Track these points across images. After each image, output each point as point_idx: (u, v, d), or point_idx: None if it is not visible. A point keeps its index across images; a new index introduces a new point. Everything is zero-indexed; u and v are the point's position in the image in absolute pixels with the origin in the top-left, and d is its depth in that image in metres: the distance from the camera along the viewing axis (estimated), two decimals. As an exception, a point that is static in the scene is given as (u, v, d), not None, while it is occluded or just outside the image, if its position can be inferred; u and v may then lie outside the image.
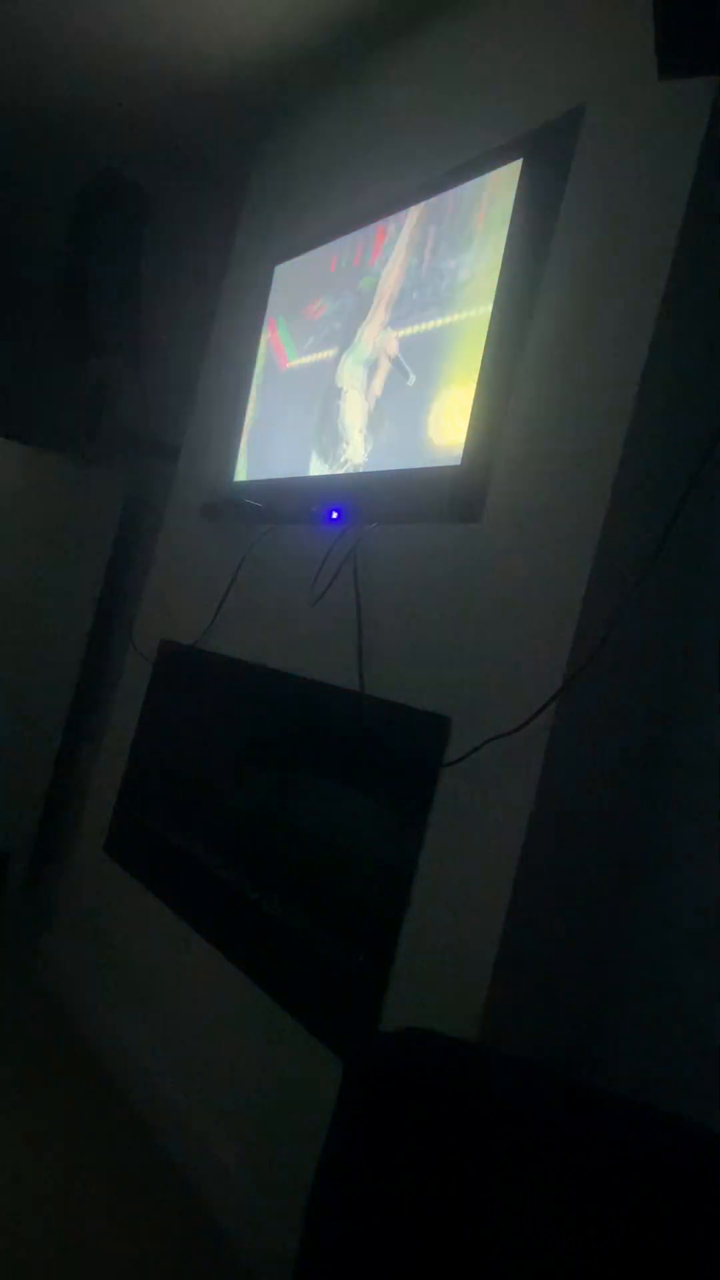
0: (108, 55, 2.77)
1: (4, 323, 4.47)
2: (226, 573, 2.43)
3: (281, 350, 2.54)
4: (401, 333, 2.07)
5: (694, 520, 1.56)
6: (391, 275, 2.14)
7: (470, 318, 1.88)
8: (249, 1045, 1.96)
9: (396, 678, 1.82)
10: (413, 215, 2.11)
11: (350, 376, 2.25)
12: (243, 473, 2.56)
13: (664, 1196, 1.04)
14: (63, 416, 4.18)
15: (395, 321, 2.10)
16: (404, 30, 2.39)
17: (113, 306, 2.93)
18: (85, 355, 3.04)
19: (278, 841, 2.21)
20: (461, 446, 1.81)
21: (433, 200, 2.06)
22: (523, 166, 1.82)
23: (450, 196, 2.01)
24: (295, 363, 2.49)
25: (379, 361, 2.17)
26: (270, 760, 2.35)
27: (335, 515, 2.09)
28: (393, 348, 2.12)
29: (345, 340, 2.27)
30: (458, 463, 1.81)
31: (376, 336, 2.20)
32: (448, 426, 1.87)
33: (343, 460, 2.17)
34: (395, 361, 2.11)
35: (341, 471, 2.16)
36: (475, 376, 1.81)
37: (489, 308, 1.82)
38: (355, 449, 2.15)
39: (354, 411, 2.21)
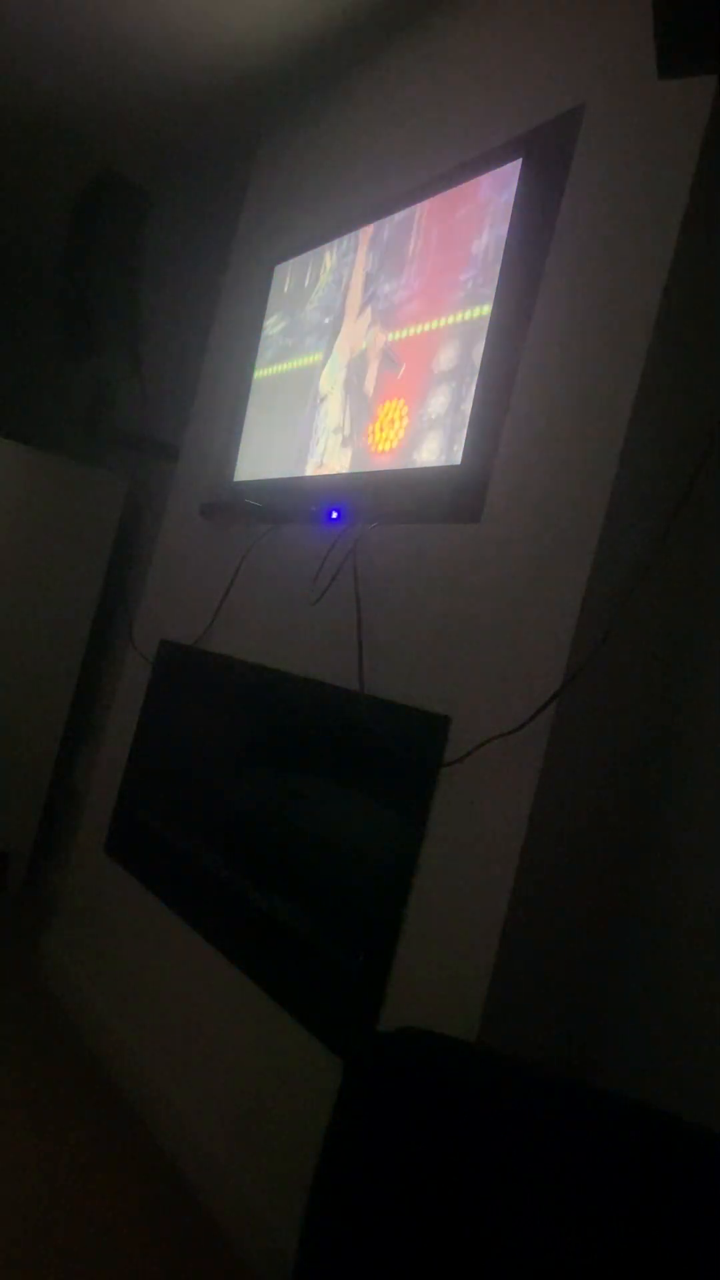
0: (108, 55, 2.77)
1: (4, 323, 4.47)
2: (226, 573, 2.43)
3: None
4: (392, 335, 2.07)
5: (694, 520, 1.56)
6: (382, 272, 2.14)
7: (470, 318, 1.88)
8: (249, 1045, 1.96)
9: (396, 677, 1.82)
10: (414, 212, 2.11)
11: (335, 378, 2.27)
12: (242, 473, 2.57)
13: (664, 1196, 1.04)
14: (63, 416, 4.18)
15: (385, 321, 2.10)
16: (403, 30, 2.40)
17: (113, 306, 2.93)
18: (85, 355, 3.04)
19: (278, 841, 2.21)
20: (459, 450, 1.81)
21: (432, 200, 2.06)
22: (522, 166, 1.82)
23: (449, 196, 2.01)
24: (270, 371, 2.52)
25: (368, 358, 2.19)
26: (270, 760, 2.35)
27: (335, 515, 2.09)
28: (381, 341, 2.13)
29: (328, 342, 2.29)
30: (458, 462, 1.81)
31: (364, 334, 2.22)
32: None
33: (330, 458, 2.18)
34: (384, 355, 2.12)
35: (339, 470, 2.16)
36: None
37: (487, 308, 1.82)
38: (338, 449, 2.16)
39: (335, 413, 2.24)
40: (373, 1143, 1.14)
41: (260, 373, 2.59)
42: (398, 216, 2.18)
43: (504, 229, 1.86)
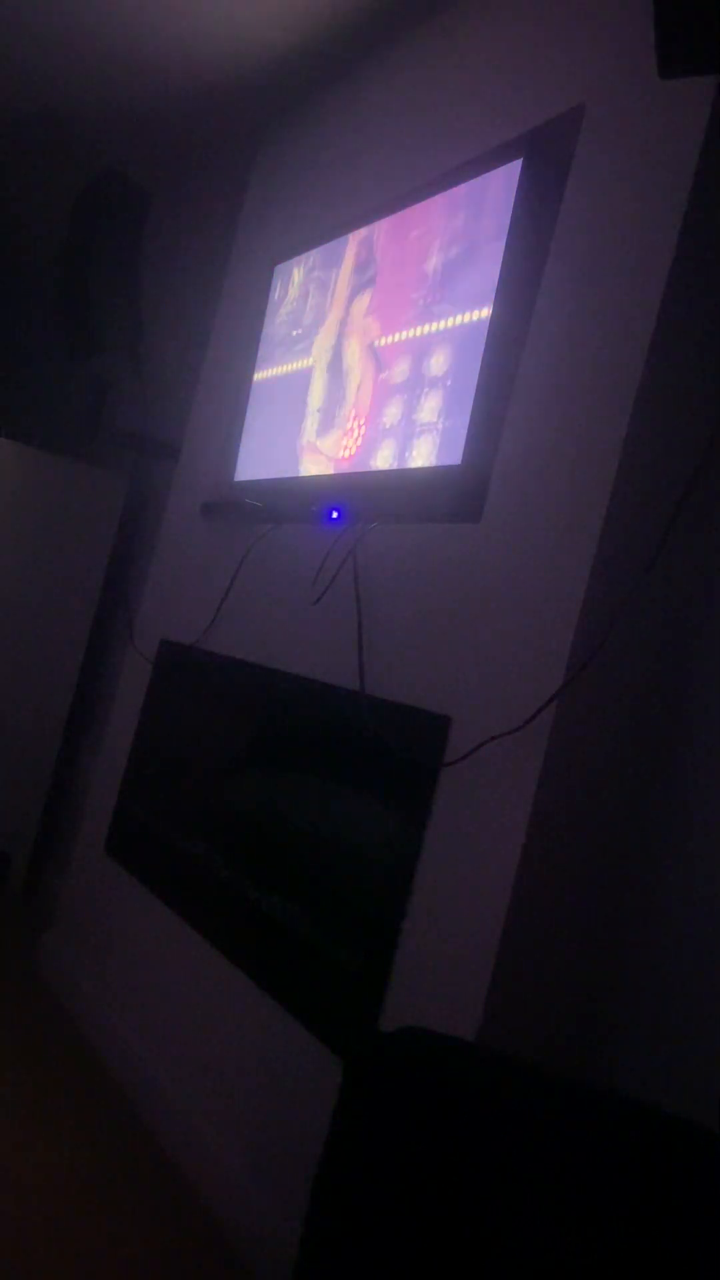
0: (108, 55, 2.77)
1: (4, 323, 4.47)
2: (226, 572, 2.43)
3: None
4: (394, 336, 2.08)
5: (694, 520, 1.56)
6: (386, 270, 2.14)
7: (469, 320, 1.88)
8: (249, 1045, 1.96)
9: (396, 677, 1.82)
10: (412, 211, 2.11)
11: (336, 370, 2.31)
12: (242, 472, 2.57)
13: (664, 1196, 1.04)
14: (63, 416, 4.18)
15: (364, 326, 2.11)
16: (404, 30, 2.40)
17: (113, 306, 2.93)
18: (85, 355, 3.04)
19: (278, 841, 2.21)
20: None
21: (433, 199, 2.06)
22: (522, 166, 1.82)
23: (448, 197, 2.01)
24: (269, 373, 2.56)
25: (344, 364, 2.26)
26: (270, 760, 2.35)
27: (335, 515, 2.09)
28: (375, 330, 2.14)
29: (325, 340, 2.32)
30: (458, 462, 1.81)
31: (342, 338, 2.27)
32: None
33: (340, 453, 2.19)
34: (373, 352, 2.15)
35: (342, 460, 2.16)
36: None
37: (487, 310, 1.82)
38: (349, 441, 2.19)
39: (312, 417, 2.29)
40: (373, 1142, 1.14)
41: (260, 375, 2.60)
42: (384, 223, 2.21)
43: (465, 242, 1.93)
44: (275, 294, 2.60)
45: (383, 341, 2.12)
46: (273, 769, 2.33)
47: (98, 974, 2.56)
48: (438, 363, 1.94)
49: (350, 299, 2.27)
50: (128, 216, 2.93)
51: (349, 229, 2.32)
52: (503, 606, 1.65)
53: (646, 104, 1.64)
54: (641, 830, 1.59)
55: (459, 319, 1.92)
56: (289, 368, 2.48)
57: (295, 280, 2.53)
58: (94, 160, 3.17)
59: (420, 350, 2.00)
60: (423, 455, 1.92)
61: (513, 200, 1.82)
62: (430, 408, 1.93)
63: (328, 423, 2.25)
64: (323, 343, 2.35)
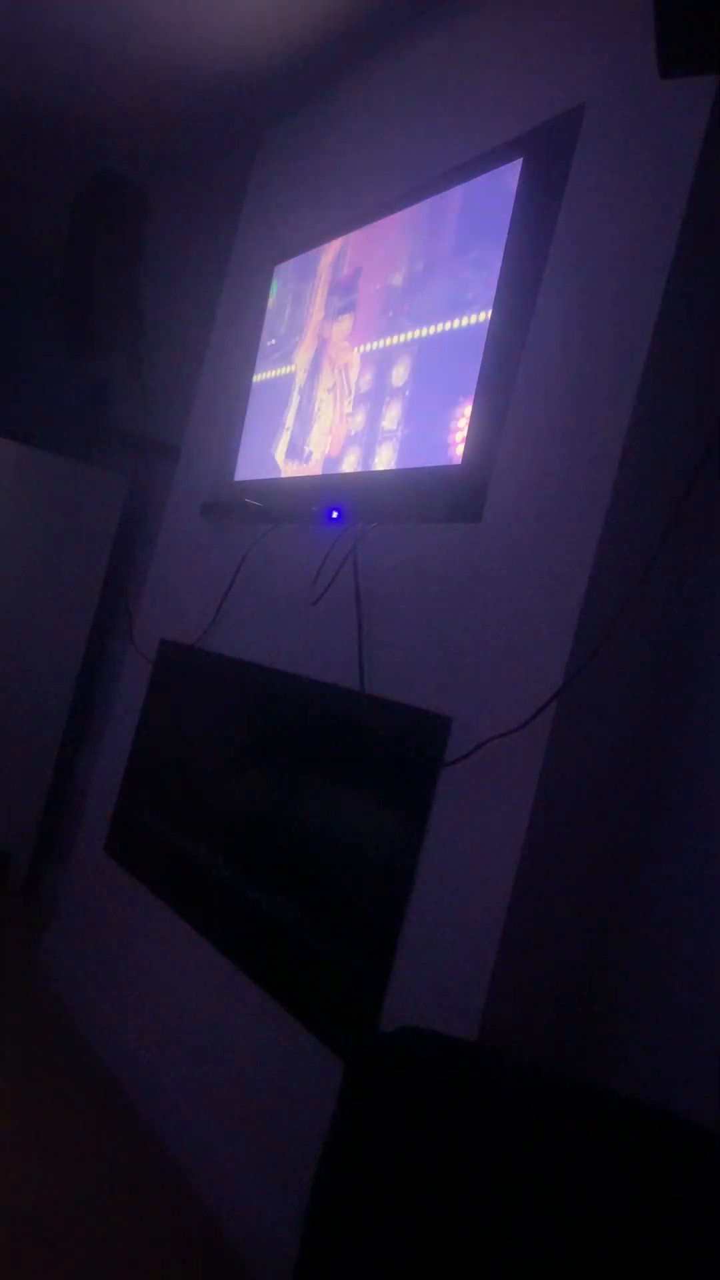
0: (108, 55, 2.77)
1: (4, 323, 4.47)
2: (226, 572, 2.43)
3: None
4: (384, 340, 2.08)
5: (694, 520, 1.56)
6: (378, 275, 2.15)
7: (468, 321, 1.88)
8: (249, 1045, 1.96)
9: (396, 677, 1.82)
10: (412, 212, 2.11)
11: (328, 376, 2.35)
12: (242, 472, 2.57)
13: (664, 1196, 1.04)
14: (63, 416, 4.18)
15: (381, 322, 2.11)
16: (403, 29, 2.39)
17: (113, 306, 2.93)
18: (85, 355, 3.04)
19: (278, 841, 2.21)
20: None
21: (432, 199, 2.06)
22: (523, 165, 1.82)
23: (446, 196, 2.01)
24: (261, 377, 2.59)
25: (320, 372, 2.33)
26: (270, 760, 2.35)
27: (335, 515, 2.09)
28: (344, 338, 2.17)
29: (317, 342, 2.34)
30: (457, 462, 1.81)
31: (322, 345, 2.33)
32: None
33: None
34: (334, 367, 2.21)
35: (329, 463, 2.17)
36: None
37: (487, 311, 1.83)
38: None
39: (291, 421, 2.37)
40: (373, 1142, 1.14)
41: (258, 376, 2.60)
42: (355, 237, 2.29)
43: (424, 260, 2.02)
44: (269, 299, 2.64)
45: (353, 355, 2.19)
46: (273, 769, 2.33)
47: (98, 974, 2.56)
48: (399, 374, 2.04)
49: (328, 318, 2.34)
50: (128, 216, 2.92)
51: (348, 229, 2.32)
52: (503, 606, 1.65)
53: (646, 104, 1.64)
54: (642, 830, 1.59)
55: (419, 333, 2.00)
56: (275, 373, 2.53)
57: (273, 291, 2.62)
58: (94, 160, 3.17)
59: (384, 361, 2.10)
60: (384, 461, 2.04)
61: (512, 200, 1.82)
62: (392, 416, 2.03)
63: (297, 446, 2.36)
64: (301, 359, 2.42)
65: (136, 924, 2.47)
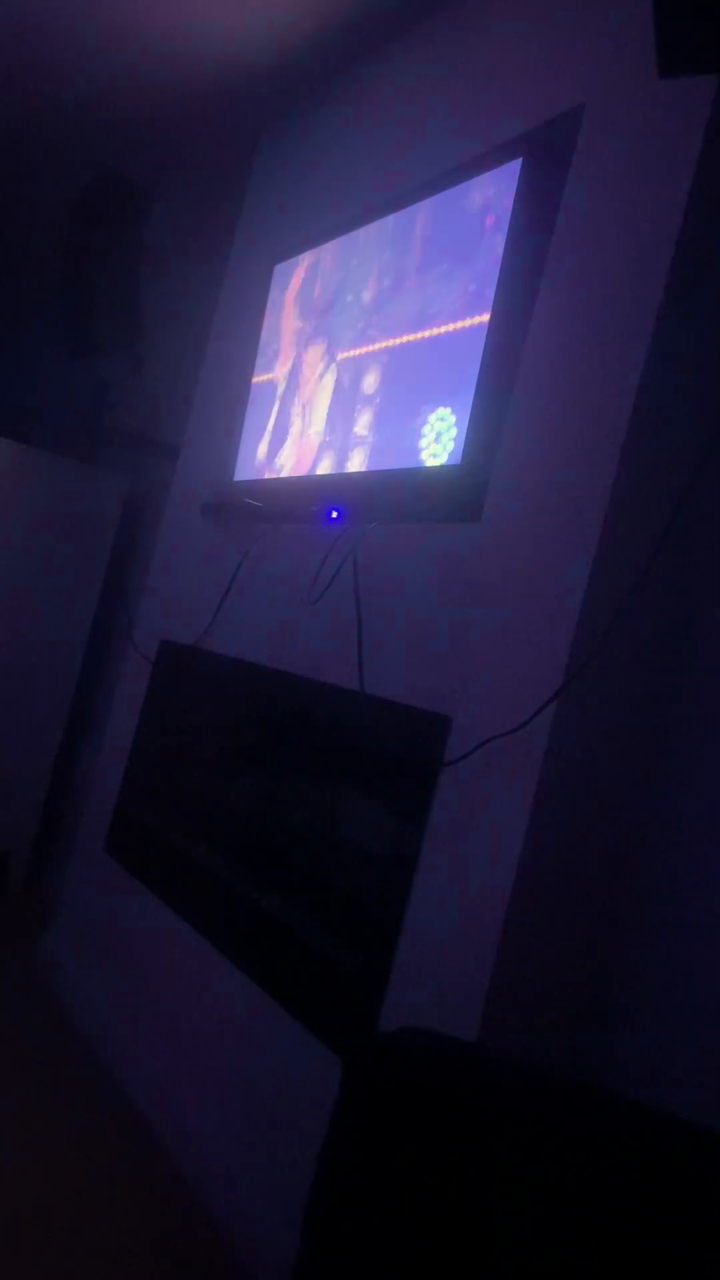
0: (107, 55, 2.77)
1: (4, 323, 4.47)
2: (226, 573, 2.43)
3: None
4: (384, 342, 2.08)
5: (694, 520, 1.56)
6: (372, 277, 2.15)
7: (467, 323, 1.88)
8: (249, 1045, 1.96)
9: (396, 677, 1.82)
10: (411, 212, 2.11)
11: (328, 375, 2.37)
12: (242, 472, 2.57)
13: (664, 1197, 1.04)
14: (63, 416, 4.18)
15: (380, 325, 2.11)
16: (403, 29, 2.39)
17: (113, 306, 2.93)
18: (85, 355, 3.04)
19: (278, 841, 2.21)
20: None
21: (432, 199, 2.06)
22: (522, 165, 1.82)
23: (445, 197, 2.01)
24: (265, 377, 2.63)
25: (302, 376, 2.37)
26: (270, 760, 2.35)
27: (335, 515, 2.09)
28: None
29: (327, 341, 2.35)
30: (458, 462, 1.81)
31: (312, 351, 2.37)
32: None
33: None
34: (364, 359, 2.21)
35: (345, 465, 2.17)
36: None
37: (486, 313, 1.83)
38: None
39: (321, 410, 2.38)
40: (373, 1143, 1.14)
41: (257, 377, 2.61)
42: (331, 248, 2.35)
43: (394, 274, 2.07)
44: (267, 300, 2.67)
45: (333, 365, 2.23)
46: (273, 769, 2.33)
47: (98, 974, 2.56)
48: (369, 382, 2.09)
49: (309, 335, 2.38)
50: (128, 216, 2.93)
51: (348, 229, 2.32)
52: (503, 607, 1.65)
53: (646, 104, 1.64)
54: (642, 830, 1.59)
55: (389, 342, 2.05)
56: (266, 377, 2.57)
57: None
58: (94, 160, 3.17)
59: (357, 369, 2.16)
60: (355, 465, 2.10)
61: (511, 200, 1.82)
62: (363, 422, 2.09)
63: (272, 456, 2.43)
64: (280, 369, 2.48)
65: (136, 924, 2.47)
